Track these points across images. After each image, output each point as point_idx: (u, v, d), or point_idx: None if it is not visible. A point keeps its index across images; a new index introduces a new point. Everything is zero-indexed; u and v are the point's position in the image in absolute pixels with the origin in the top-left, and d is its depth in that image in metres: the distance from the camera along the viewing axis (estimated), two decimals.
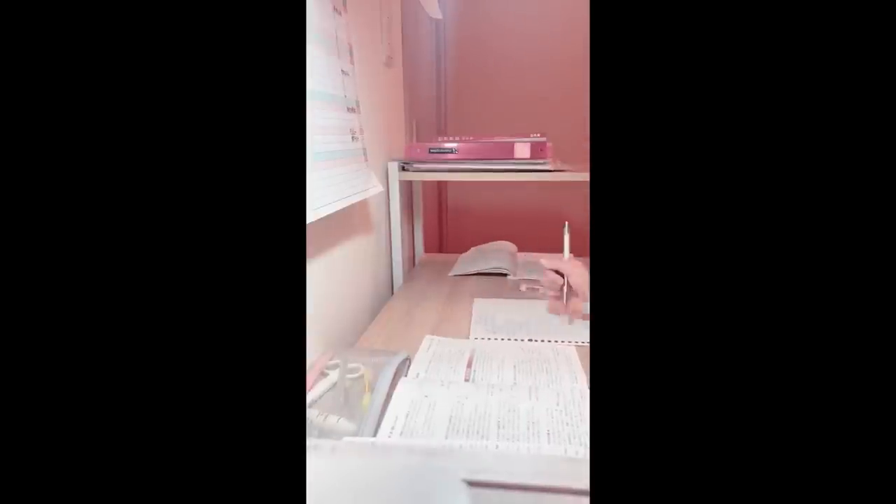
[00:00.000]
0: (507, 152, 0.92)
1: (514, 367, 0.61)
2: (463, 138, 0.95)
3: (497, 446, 0.42)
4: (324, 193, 0.58)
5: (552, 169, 0.92)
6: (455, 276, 1.03)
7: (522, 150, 0.91)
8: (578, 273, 0.64)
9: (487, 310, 0.81)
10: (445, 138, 0.96)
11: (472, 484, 0.28)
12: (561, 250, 0.73)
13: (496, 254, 1.11)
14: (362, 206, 0.85)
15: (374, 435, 0.46)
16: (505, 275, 1.01)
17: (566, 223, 0.73)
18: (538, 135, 0.93)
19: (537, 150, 0.92)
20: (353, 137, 0.71)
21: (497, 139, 0.94)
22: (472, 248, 1.25)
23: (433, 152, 0.93)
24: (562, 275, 0.66)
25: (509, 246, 1.21)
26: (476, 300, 0.86)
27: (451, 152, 0.92)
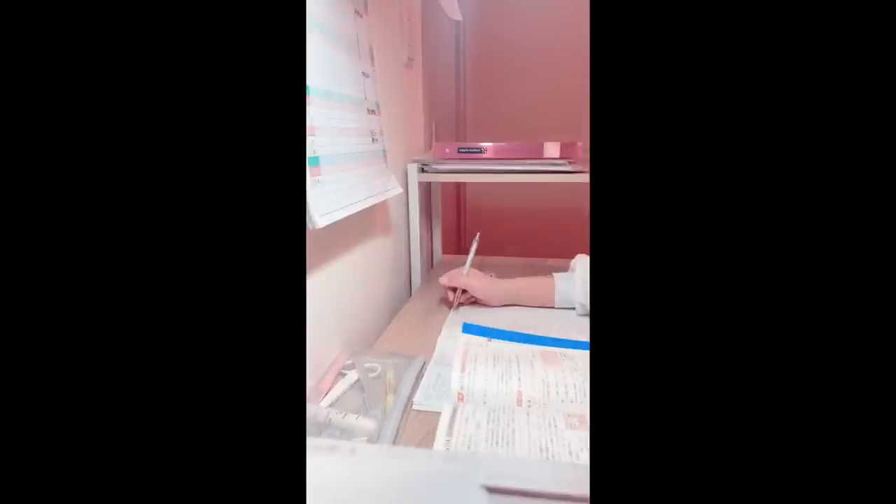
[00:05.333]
0: (536, 153, 0.92)
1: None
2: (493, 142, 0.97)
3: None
4: (345, 195, 0.59)
5: (571, 170, 0.91)
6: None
7: (552, 149, 0.91)
8: (477, 283, 0.82)
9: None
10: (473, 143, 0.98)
11: (492, 490, 0.28)
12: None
13: None
14: (381, 207, 0.85)
15: (397, 436, 0.47)
16: None
17: (476, 235, 0.90)
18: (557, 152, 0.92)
19: (567, 150, 0.91)
20: (373, 139, 0.71)
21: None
22: None
23: (462, 151, 0.94)
24: (454, 290, 0.82)
25: None
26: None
27: (481, 151, 0.94)
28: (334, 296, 0.65)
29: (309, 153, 0.50)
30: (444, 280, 0.83)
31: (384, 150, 0.77)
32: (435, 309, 0.84)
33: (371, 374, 0.58)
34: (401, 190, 0.83)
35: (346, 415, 0.48)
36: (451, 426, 0.47)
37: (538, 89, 1.49)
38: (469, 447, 0.44)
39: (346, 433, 0.47)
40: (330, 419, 0.48)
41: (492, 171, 0.94)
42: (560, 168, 0.91)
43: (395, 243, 0.95)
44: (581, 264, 0.80)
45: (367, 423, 0.47)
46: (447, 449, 0.45)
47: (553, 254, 1.17)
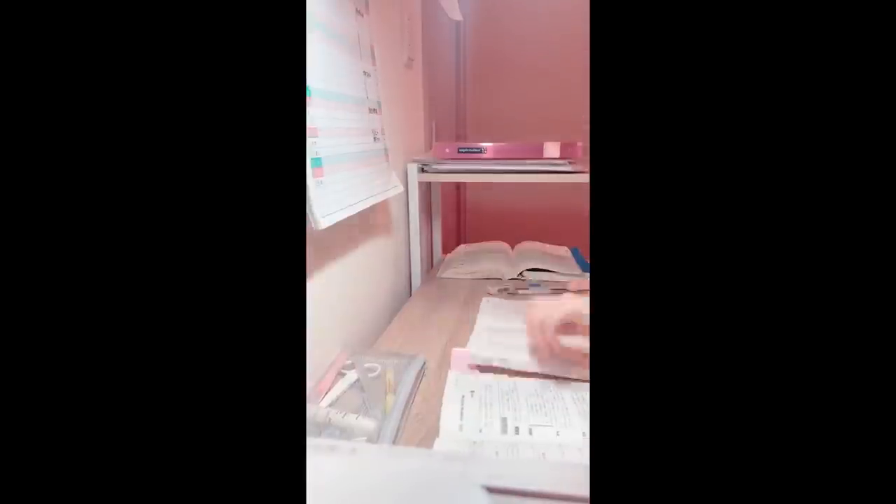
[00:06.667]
0: (536, 153, 0.92)
1: None
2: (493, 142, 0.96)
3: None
4: (347, 195, 0.59)
5: (571, 170, 0.91)
6: (441, 278, 1.03)
7: (552, 149, 0.91)
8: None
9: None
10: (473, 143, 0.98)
11: (492, 490, 0.28)
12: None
13: (488, 255, 1.11)
14: (382, 206, 0.85)
15: (397, 436, 0.47)
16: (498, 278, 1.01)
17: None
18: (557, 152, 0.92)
19: (567, 150, 0.91)
20: (374, 138, 0.71)
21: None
22: (461, 247, 1.26)
23: (462, 151, 0.94)
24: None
25: (502, 246, 1.21)
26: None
27: (481, 151, 0.93)
28: (334, 296, 0.65)
29: (311, 154, 0.50)
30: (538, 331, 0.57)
31: (385, 149, 0.77)
32: (435, 309, 0.84)
33: (371, 374, 0.58)
34: (402, 189, 0.83)
35: (345, 415, 0.48)
36: None
37: (538, 89, 1.49)
38: None
39: (346, 433, 0.47)
40: (330, 419, 0.48)
41: (492, 171, 0.94)
42: (560, 168, 0.91)
43: (396, 243, 0.95)
44: None
45: (367, 423, 0.47)
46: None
47: None
